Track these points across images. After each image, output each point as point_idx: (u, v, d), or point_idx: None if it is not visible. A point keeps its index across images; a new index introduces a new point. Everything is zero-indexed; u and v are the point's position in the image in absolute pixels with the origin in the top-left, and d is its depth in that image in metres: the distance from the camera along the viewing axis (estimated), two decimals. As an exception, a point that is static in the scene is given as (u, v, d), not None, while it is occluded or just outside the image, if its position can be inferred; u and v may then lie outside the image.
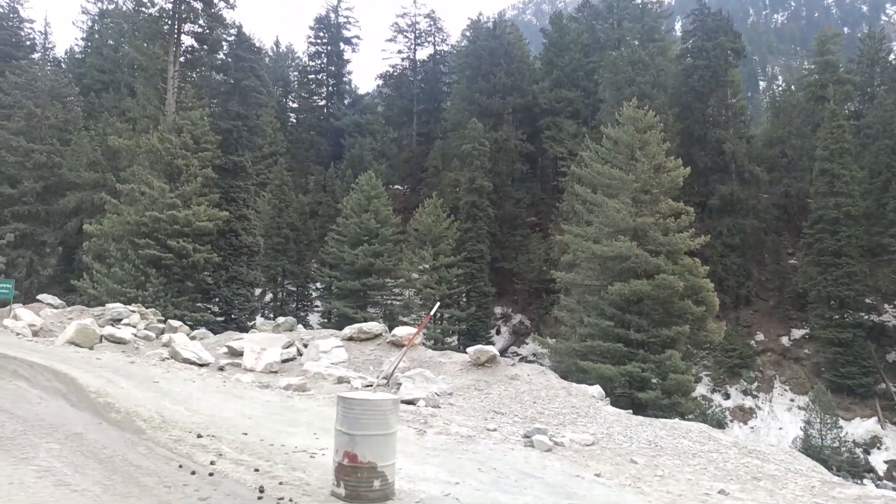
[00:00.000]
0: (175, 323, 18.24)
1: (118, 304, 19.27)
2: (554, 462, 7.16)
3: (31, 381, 8.39)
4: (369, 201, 51.91)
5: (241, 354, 13.40)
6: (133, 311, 18.68)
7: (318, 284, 60.26)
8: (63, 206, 46.12)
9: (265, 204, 54.10)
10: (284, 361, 11.69)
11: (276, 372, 11.18)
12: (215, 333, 19.71)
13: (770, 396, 51.24)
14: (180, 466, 5.39)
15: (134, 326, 17.80)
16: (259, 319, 16.24)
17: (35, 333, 16.92)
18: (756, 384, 53.50)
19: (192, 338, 17.69)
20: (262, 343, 13.56)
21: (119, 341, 14.09)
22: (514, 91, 67.91)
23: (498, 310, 62.62)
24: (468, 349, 12.76)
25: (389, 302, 53.52)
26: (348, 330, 12.83)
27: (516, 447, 7.57)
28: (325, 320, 57.47)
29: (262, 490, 5.07)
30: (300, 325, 21.21)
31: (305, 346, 12.95)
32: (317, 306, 60.50)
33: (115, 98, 61.33)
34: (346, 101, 79.78)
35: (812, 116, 61.32)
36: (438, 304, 9.56)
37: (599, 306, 32.58)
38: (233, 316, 35.41)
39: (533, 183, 70.30)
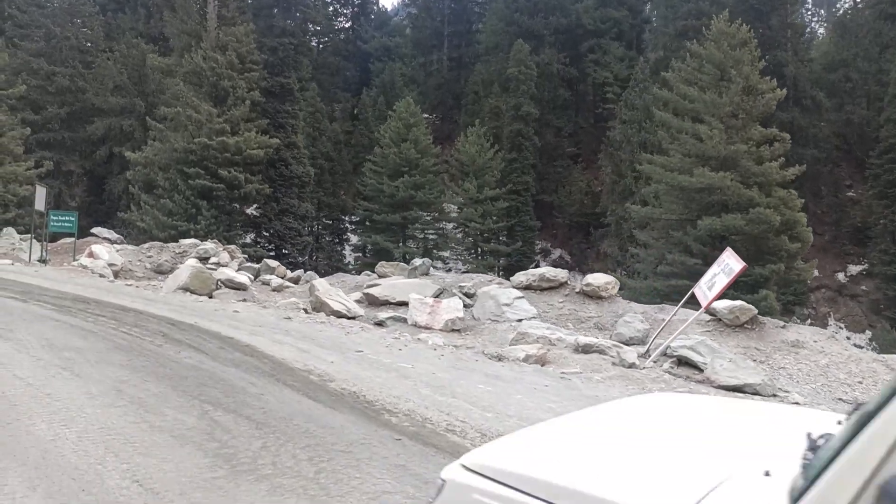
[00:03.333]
0: (272, 263, 16.05)
1: (203, 241, 17.00)
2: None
3: (200, 349, 6.17)
4: (408, 130, 48.74)
5: (385, 304, 11.20)
6: (219, 248, 16.44)
7: (351, 218, 57.71)
8: (91, 134, 43.36)
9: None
10: (431, 313, 9.52)
11: (458, 330, 8.99)
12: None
13: (825, 334, 49.45)
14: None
15: (225, 266, 15.56)
16: (381, 262, 14.14)
17: (116, 274, 14.76)
18: (809, 321, 51.69)
19: (294, 280, 15.50)
20: (405, 290, 11.33)
21: (239, 287, 11.92)
22: (557, 10, 63.24)
23: (536, 244, 60.35)
24: (717, 304, 10.47)
25: (427, 236, 51.27)
26: (522, 276, 10.57)
27: None
28: (360, 254, 55.44)
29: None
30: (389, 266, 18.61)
31: (468, 295, 10.73)
32: (347, 239, 58.23)
33: (132, 18, 57.38)
34: (372, 23, 74.90)
35: (880, 37, 56.95)
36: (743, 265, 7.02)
37: (684, 242, 30.17)
38: (284, 251, 33.26)
39: (574, 111, 66.46)
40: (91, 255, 15.14)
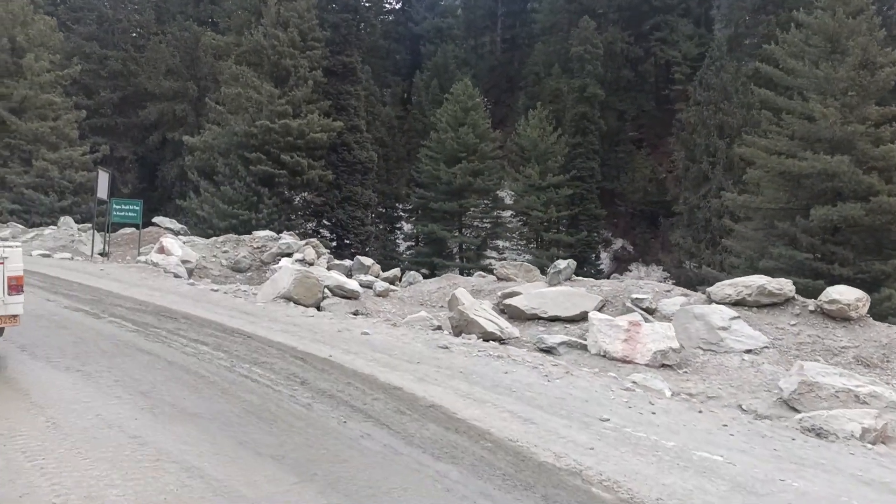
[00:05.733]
0: (366, 261, 13.87)
1: (279, 234, 14.94)
2: None
3: (369, 413, 3.97)
4: (465, 113, 46.13)
5: (534, 319, 8.83)
6: (302, 243, 14.33)
7: (405, 206, 55.41)
8: (143, 119, 42.07)
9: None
10: (628, 340, 7.01)
11: (670, 366, 6.58)
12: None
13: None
14: None
15: (310, 263, 13.42)
16: (497, 263, 11.68)
17: (190, 273, 12.76)
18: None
19: (391, 280, 13.26)
20: (558, 301, 8.95)
21: (350, 295, 9.73)
22: (621, -15, 59.72)
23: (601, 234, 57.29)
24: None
25: (484, 225, 48.83)
26: (729, 289, 8.03)
27: None
28: (412, 244, 53.37)
29: None
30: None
31: (648, 311, 8.28)
32: (401, 228, 56.10)
33: (181, 2, 56.07)
34: (423, 4, 72.18)
35: None
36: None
37: (790, 234, 26.99)
38: (346, 241, 31.25)
39: (637, 93, 62.80)
40: (162, 250, 13.22)
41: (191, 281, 11.15)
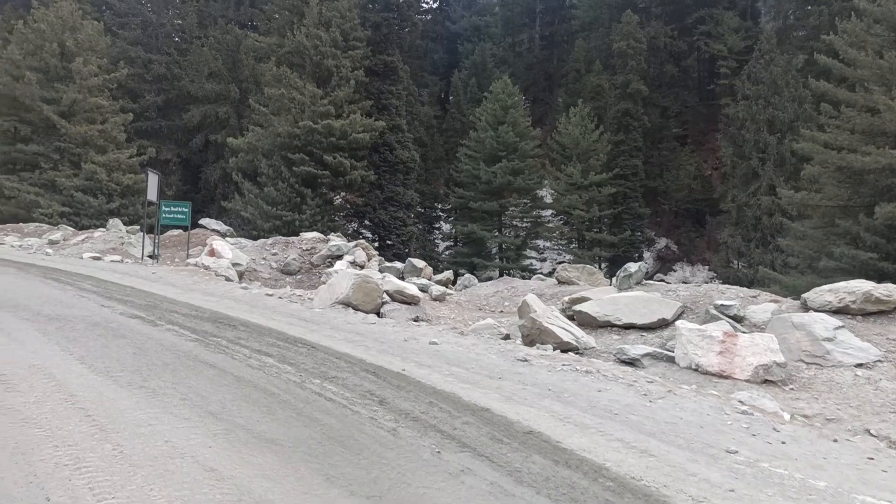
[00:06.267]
0: (418, 263, 13.43)
1: (326, 235, 14.60)
2: None
3: (464, 442, 3.51)
4: (505, 112, 45.53)
5: (606, 327, 8.25)
6: (352, 245, 13.96)
7: (443, 205, 54.92)
8: (186, 122, 42.57)
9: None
10: (724, 353, 6.33)
11: (773, 382, 5.92)
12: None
13: None
14: None
15: (361, 266, 13.04)
16: (559, 266, 11.14)
17: (241, 276, 12.50)
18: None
19: (444, 282, 12.76)
20: (633, 307, 8.34)
21: (410, 301, 9.29)
22: (664, -22, 58.42)
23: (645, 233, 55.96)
24: None
25: (523, 225, 48.13)
26: (829, 295, 7.29)
27: None
28: (451, 243, 52.99)
29: None
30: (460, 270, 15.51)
31: (736, 319, 7.59)
32: (439, 228, 55.69)
33: (222, 6, 56.77)
34: (460, 2, 71.79)
35: None
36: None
37: (853, 233, 25.66)
38: (388, 242, 30.94)
39: (680, 89, 61.23)
40: (213, 252, 13.00)
41: (243, 285, 10.87)
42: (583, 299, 8.90)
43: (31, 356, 5.55)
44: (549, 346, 7.10)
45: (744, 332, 6.92)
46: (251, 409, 4.39)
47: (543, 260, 49.92)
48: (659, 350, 6.92)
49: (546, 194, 49.91)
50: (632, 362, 6.83)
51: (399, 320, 8.42)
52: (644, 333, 8.18)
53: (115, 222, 20.40)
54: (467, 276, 14.83)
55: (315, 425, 4.12)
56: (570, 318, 8.66)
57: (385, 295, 9.23)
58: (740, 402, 5.27)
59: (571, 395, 5.02)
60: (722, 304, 7.94)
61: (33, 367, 5.21)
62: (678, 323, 7.05)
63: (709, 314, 7.91)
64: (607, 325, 8.41)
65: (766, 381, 6.12)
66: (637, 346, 7.05)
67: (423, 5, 73.19)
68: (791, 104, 41.29)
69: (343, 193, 29.31)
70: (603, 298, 8.73)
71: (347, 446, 3.78)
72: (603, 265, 46.50)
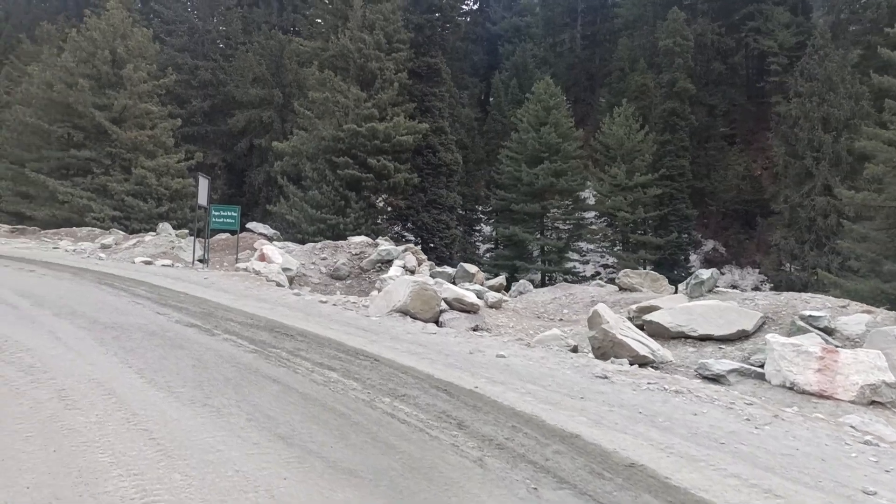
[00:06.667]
0: (471, 268, 13.06)
1: (375, 238, 14.35)
2: None
3: (568, 482, 3.00)
4: (547, 112, 44.80)
5: (679, 338, 7.71)
6: (401, 249, 13.67)
7: (484, 207, 54.42)
8: (231, 126, 43.12)
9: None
10: (823, 370, 5.73)
11: (881, 404, 5.35)
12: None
13: None
14: None
15: (411, 271, 12.73)
16: (622, 272, 10.64)
17: (291, 281, 12.31)
18: None
19: (497, 288, 12.35)
20: (708, 317, 7.79)
21: (469, 309, 8.92)
22: (710, -25, 56.87)
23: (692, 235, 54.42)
24: None
25: (565, 227, 47.29)
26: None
27: None
28: (491, 246, 52.47)
29: None
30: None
31: (826, 331, 6.96)
32: (480, 230, 55.19)
33: (265, 12, 57.54)
34: (500, 3, 71.21)
35: None
36: None
37: (922, 236, 24.35)
38: (431, 245, 30.65)
39: (728, 87, 59.51)
40: (263, 257, 12.88)
41: (296, 291, 10.65)
42: (652, 308, 8.38)
43: (90, 369, 5.36)
44: (625, 360, 6.63)
45: (839, 347, 6.33)
46: (322, 432, 4.06)
47: (586, 262, 49.01)
48: (745, 365, 6.39)
49: (589, 196, 49.04)
50: (716, 379, 6.31)
51: (459, 330, 8.04)
52: (722, 346, 7.63)
53: (164, 226, 20.59)
54: (522, 281, 14.37)
55: (393, 453, 3.77)
56: (640, 327, 8.15)
57: (443, 303, 8.88)
58: (852, 427, 4.73)
59: (666, 420, 4.56)
60: (810, 315, 7.33)
61: (93, 381, 5.01)
62: (769, 336, 6.49)
63: (795, 326, 7.32)
64: (681, 337, 7.88)
65: (873, 403, 5.54)
66: (721, 362, 6.52)
67: (464, 7, 72.93)
68: (847, 101, 39.68)
69: (383, 196, 29.18)
70: (675, 307, 8.20)
71: (432, 479, 3.42)
72: (647, 268, 45.40)
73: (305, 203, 26.48)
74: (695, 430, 4.38)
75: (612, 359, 6.69)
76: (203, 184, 14.78)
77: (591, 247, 48.76)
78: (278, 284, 11.39)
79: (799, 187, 41.85)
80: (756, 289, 43.56)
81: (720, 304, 8.27)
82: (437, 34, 31.95)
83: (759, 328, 7.75)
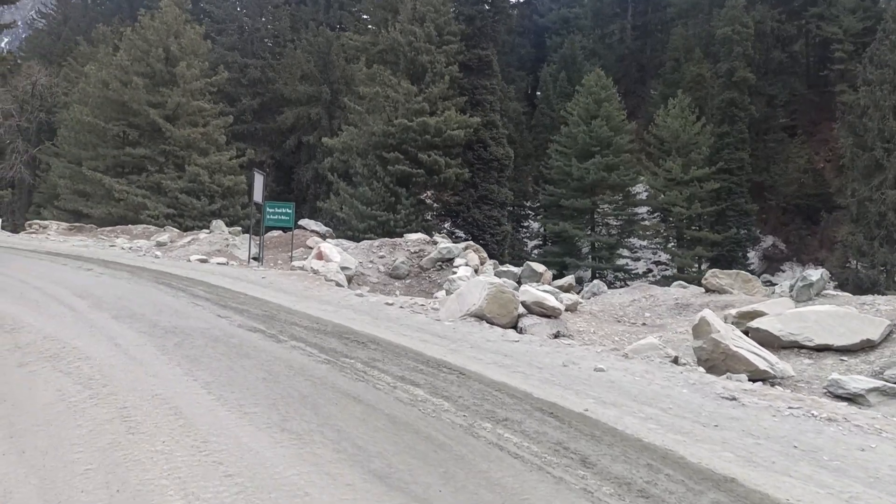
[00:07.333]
0: (538, 267, 12.35)
1: (431, 235, 13.73)
2: None
3: None
4: (599, 105, 43.48)
5: (792, 348, 6.83)
6: (461, 247, 13.02)
7: (532, 203, 53.33)
8: (280, 124, 43.26)
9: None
10: None
11: None
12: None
13: None
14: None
15: (475, 270, 12.05)
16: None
17: (350, 280, 11.79)
18: None
19: (564, 288, 11.56)
20: (826, 324, 6.87)
21: (550, 313, 8.21)
22: (771, -42, 54.44)
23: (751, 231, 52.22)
24: None
25: (616, 223, 45.91)
26: None
27: None
28: (540, 242, 51.44)
29: None
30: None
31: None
32: (528, 227, 54.13)
33: (312, 10, 57.70)
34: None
35: None
36: None
37: None
38: (482, 242, 29.90)
39: (788, 76, 56.90)
40: (320, 256, 12.41)
41: (358, 292, 10.11)
42: (756, 313, 7.51)
43: (153, 382, 4.86)
44: (742, 376, 5.81)
45: None
46: (424, 469, 3.41)
47: (637, 259, 47.62)
48: (889, 384, 5.49)
49: (640, 190, 47.58)
50: (851, 398, 5.44)
51: (541, 336, 7.33)
52: (843, 358, 6.72)
53: (218, 224, 20.46)
54: (595, 282, 13.57)
55: (516, 502, 3.09)
56: (744, 334, 7.28)
57: (521, 306, 8.17)
58: None
59: (833, 458, 3.76)
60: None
61: (157, 397, 4.50)
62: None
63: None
64: (793, 347, 6.99)
65: None
66: (857, 379, 5.64)
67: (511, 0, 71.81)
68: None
69: (429, 192, 28.60)
70: (785, 313, 7.31)
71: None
72: (703, 265, 43.69)
73: (355, 199, 26.10)
74: (873, 473, 3.57)
75: (728, 374, 5.88)
76: (259, 180, 14.42)
77: (643, 243, 47.30)
78: (337, 284, 10.89)
79: (868, 180, 39.66)
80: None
81: (838, 309, 7.34)
82: (487, 25, 31.12)
83: (886, 337, 6.81)
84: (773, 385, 5.87)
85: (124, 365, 5.31)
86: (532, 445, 3.82)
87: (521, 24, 68.79)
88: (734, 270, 11.39)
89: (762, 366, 5.97)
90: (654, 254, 48.16)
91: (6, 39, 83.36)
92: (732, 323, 7.67)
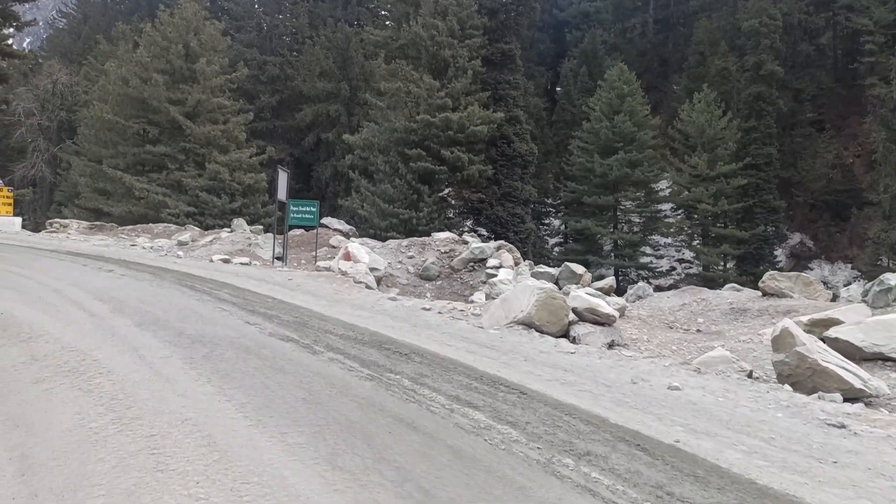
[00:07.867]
0: (577, 268, 11.73)
1: (460, 235, 13.19)
2: None
3: None
4: (622, 101, 42.71)
5: (875, 360, 6.19)
6: (493, 246, 12.44)
7: (553, 200, 52.52)
8: (299, 121, 42.96)
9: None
10: None
11: None
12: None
13: None
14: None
15: (508, 272, 11.45)
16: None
17: (379, 282, 11.26)
18: None
19: (605, 290, 10.93)
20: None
21: (604, 320, 7.59)
22: (798, -51, 53.08)
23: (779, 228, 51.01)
24: None
25: (639, 220, 45.10)
26: None
27: None
28: (562, 239, 50.72)
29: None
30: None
31: None
32: (549, 224, 53.35)
33: (330, 7, 57.29)
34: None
35: None
36: None
37: None
38: (505, 241, 29.28)
39: (816, 69, 55.52)
40: (348, 256, 11.90)
41: (391, 295, 9.58)
42: (831, 321, 6.85)
43: (182, 403, 4.34)
44: (836, 395, 5.18)
45: None
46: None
47: (660, 257, 46.72)
48: None
49: (663, 187, 46.67)
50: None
51: (597, 347, 6.74)
52: (937, 373, 6.06)
53: (239, 222, 20.07)
54: (640, 285, 12.98)
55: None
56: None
57: (571, 313, 7.57)
58: None
59: None
60: None
61: (187, 422, 3.97)
62: None
63: None
64: (876, 359, 6.34)
65: None
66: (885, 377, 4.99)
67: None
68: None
69: (447, 189, 28.02)
70: (865, 321, 6.65)
71: None
72: (730, 263, 42.72)
73: (377, 197, 25.60)
74: None
75: (819, 393, 5.25)
76: (283, 178, 13.93)
77: (667, 241, 46.41)
78: (367, 286, 10.37)
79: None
80: (847, 285, 40.38)
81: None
82: (510, 19, 30.47)
83: None
84: (867, 405, 5.23)
85: (149, 381, 4.80)
86: (630, 490, 3.23)
87: (541, 19, 67.83)
88: (794, 273, 10.69)
89: (857, 384, 5.33)
90: (678, 251, 47.23)
91: (28, 39, 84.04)
92: (804, 331, 7.01)
